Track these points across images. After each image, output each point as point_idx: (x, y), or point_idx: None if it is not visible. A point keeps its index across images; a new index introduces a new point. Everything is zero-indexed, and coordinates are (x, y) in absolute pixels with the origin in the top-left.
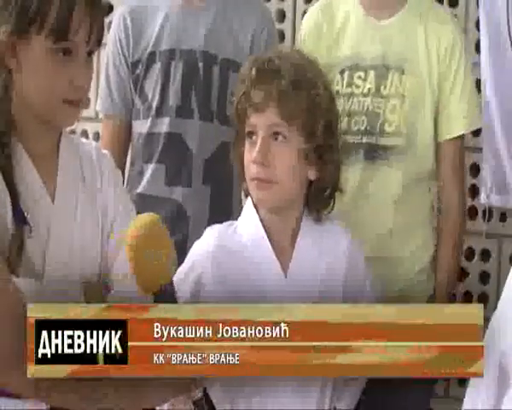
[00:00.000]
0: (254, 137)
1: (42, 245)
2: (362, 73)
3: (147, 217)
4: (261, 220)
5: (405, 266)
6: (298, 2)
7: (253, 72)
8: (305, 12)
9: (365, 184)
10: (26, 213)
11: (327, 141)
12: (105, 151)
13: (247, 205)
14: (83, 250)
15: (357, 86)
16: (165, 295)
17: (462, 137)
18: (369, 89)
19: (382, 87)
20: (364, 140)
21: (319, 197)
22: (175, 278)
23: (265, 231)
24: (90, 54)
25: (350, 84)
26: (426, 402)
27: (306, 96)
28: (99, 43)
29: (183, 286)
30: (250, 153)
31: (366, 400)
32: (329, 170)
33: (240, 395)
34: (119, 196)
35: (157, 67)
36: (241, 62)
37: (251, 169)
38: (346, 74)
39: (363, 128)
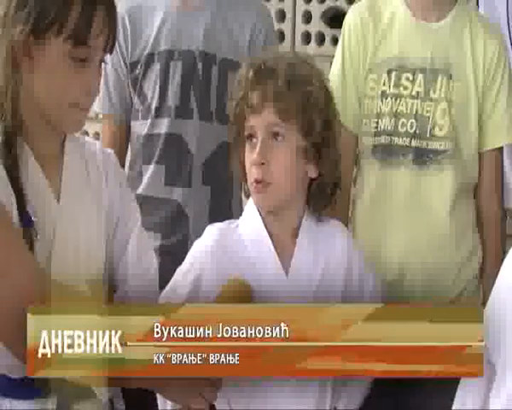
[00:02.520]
0: (254, 140)
1: (48, 246)
2: (410, 75)
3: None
4: (262, 219)
5: (460, 273)
6: (298, 3)
7: (250, 74)
8: (305, 12)
9: (416, 189)
10: (32, 217)
11: (325, 137)
12: (109, 151)
13: (249, 204)
14: (88, 250)
15: (405, 88)
16: None
17: (502, 148)
18: (417, 92)
19: (432, 91)
20: (413, 143)
21: (320, 195)
22: (174, 277)
23: (266, 229)
24: (101, 61)
25: (397, 85)
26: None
27: (301, 94)
28: (111, 50)
29: (183, 284)
30: (250, 155)
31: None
32: (329, 167)
33: (239, 394)
34: (124, 195)
35: (156, 67)
36: (240, 62)
37: (251, 171)
38: (393, 75)
39: (411, 131)
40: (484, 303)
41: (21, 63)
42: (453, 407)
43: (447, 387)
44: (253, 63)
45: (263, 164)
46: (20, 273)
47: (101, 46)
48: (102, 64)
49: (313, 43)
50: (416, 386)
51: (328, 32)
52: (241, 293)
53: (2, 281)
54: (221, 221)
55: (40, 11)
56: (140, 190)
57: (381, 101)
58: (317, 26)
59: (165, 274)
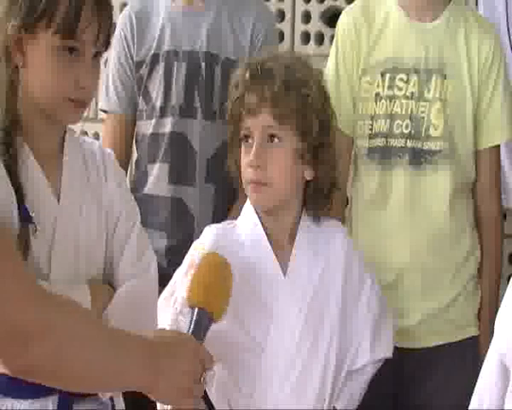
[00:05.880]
0: (250, 141)
1: (48, 245)
2: (404, 76)
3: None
4: (260, 220)
5: (458, 273)
6: (297, 2)
7: (247, 75)
8: (304, 12)
9: (413, 190)
10: (31, 212)
11: (321, 140)
12: (109, 150)
13: (246, 205)
14: (88, 250)
15: (400, 89)
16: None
17: (499, 146)
18: (412, 92)
19: (426, 91)
20: (409, 144)
21: (317, 197)
22: (174, 277)
23: (264, 230)
24: (96, 55)
25: (391, 87)
26: None
27: (297, 96)
28: (106, 45)
29: (182, 285)
30: (246, 156)
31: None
32: (325, 169)
33: (238, 394)
34: (123, 195)
35: (160, 67)
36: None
37: (247, 172)
38: (387, 76)
39: (407, 132)
40: (482, 304)
41: (15, 59)
42: (470, 407)
43: (446, 388)
44: (249, 64)
45: (258, 166)
46: (11, 284)
47: (92, 39)
48: (104, 59)
49: (312, 43)
50: (415, 386)
51: (328, 32)
52: (219, 262)
53: None
54: (225, 219)
55: (30, 6)
56: (146, 190)
57: (376, 103)
58: (316, 25)
59: (171, 273)
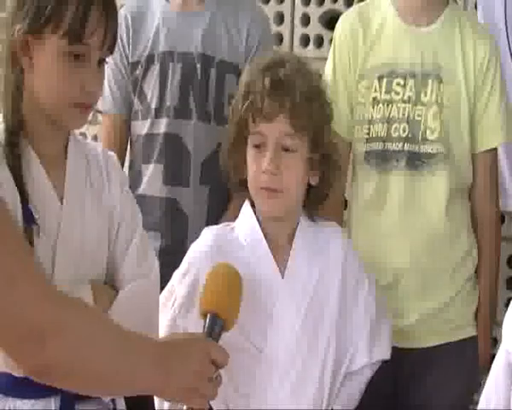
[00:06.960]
0: (263, 147)
1: (51, 246)
2: (401, 80)
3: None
4: (258, 221)
5: (455, 274)
6: (296, 5)
7: (267, 83)
8: (303, 15)
9: (410, 192)
10: (34, 213)
11: (331, 148)
12: (111, 153)
13: (245, 207)
14: (91, 251)
15: (397, 93)
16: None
17: (496, 149)
18: (409, 96)
19: (423, 95)
20: (406, 148)
21: (318, 199)
22: (172, 279)
23: (262, 232)
24: (101, 61)
25: (389, 91)
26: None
27: (318, 107)
28: (111, 50)
29: (180, 287)
30: (257, 162)
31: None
32: (332, 174)
33: (236, 395)
34: (125, 197)
35: (155, 68)
36: (237, 64)
37: (260, 178)
38: (384, 81)
39: (404, 135)
40: (480, 304)
41: (21, 62)
42: (478, 407)
43: (445, 387)
44: (268, 70)
45: (274, 173)
46: (25, 283)
47: (98, 44)
48: (106, 63)
49: (311, 46)
50: (414, 386)
51: (327, 35)
52: (231, 271)
53: (7, 290)
54: (219, 219)
55: (37, 9)
56: (140, 190)
57: (373, 107)
58: (315, 28)
59: (164, 273)
